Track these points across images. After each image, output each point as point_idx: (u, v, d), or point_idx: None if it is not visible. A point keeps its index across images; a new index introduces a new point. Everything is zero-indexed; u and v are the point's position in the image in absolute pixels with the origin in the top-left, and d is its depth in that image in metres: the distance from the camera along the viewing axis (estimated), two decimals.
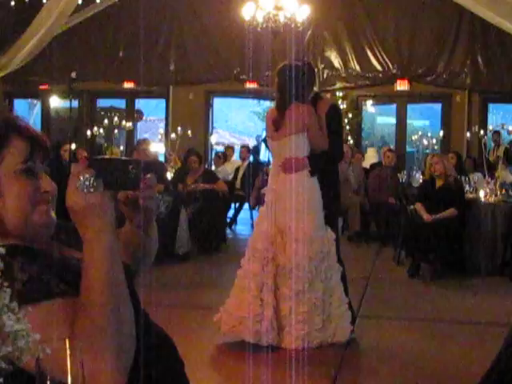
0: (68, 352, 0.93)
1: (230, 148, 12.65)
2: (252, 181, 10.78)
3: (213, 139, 13.54)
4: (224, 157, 11.96)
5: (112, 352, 1.20)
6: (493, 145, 11.60)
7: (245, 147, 12.01)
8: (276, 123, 4.56)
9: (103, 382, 1.18)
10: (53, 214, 1.39)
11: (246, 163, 11.30)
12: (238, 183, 10.95)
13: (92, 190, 1.26)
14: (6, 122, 1.38)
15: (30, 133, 1.38)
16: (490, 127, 11.85)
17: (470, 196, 7.51)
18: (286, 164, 4.52)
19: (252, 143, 15.56)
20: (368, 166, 10.56)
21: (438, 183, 7.15)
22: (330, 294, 4.49)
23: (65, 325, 1.21)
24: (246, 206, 11.02)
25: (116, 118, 12.37)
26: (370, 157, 11.64)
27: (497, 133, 11.39)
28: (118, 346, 1.22)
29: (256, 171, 10.46)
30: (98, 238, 1.26)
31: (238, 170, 11.27)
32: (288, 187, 4.46)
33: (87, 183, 1.25)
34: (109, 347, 1.20)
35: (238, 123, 23.95)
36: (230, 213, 10.67)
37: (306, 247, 4.42)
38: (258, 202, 8.00)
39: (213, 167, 11.49)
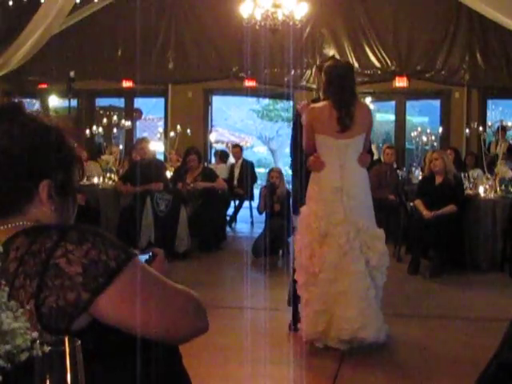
0: (67, 350, 0.92)
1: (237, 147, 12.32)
2: (251, 179, 10.76)
3: (212, 137, 13.53)
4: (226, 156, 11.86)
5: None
6: (494, 139, 11.46)
7: (238, 147, 11.98)
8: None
9: (185, 328, 1.39)
10: None
11: (239, 162, 11.29)
12: (235, 182, 10.95)
13: None
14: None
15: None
16: (489, 123, 11.80)
17: (470, 192, 7.52)
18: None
19: (251, 141, 15.45)
20: None
21: (438, 179, 7.15)
22: None
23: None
24: (246, 204, 11.02)
25: (115, 117, 12.32)
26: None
27: (503, 128, 11.20)
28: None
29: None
30: None
31: (232, 168, 11.26)
32: (359, 184, 4.60)
33: None
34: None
35: (237, 121, 23.92)
36: (230, 211, 10.68)
37: (382, 243, 4.62)
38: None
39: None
